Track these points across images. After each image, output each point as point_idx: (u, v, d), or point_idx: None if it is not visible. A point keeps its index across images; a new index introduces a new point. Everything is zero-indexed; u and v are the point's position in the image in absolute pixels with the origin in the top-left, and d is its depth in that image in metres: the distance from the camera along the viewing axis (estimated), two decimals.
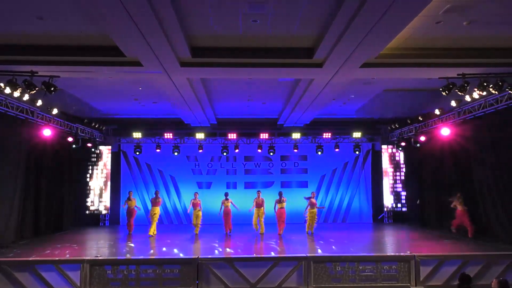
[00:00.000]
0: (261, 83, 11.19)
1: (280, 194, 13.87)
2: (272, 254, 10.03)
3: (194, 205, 13.73)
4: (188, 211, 14.32)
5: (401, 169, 17.16)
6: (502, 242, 10.84)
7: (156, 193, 14.10)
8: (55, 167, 14.10)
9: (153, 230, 13.37)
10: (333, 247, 11.10)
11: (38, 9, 6.89)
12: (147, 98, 12.97)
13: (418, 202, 15.85)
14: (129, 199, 13.96)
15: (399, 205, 17.04)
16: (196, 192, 14.25)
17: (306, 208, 13.69)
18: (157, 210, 13.75)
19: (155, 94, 12.33)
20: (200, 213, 13.73)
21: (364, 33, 7.18)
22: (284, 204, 13.61)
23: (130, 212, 13.85)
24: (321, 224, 13.31)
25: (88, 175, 16.51)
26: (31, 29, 7.69)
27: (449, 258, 9.36)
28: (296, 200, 15.30)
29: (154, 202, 13.86)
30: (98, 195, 16.52)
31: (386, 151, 17.30)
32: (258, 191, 14.25)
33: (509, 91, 9.14)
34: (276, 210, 13.64)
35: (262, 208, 13.65)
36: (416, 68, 9.10)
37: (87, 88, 11.53)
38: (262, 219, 13.65)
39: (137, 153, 16.41)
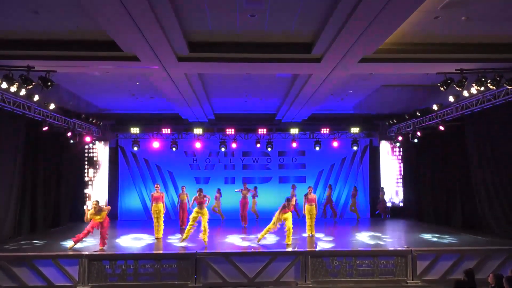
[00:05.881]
0: (259, 78, 11.16)
1: (310, 189, 12.26)
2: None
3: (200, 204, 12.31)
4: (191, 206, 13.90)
5: (399, 165, 17.22)
6: (498, 237, 10.91)
7: (200, 190, 11.04)
8: (52, 163, 14.06)
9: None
10: (331, 242, 11.15)
11: (33, 3, 6.84)
12: (144, 93, 12.93)
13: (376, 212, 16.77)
14: (95, 206, 9.91)
15: (396, 200, 17.13)
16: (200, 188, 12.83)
17: (304, 205, 12.02)
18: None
19: (153, 90, 12.30)
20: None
21: (363, 28, 7.16)
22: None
23: (99, 221, 9.96)
24: (319, 219, 13.26)
25: (85, 171, 16.48)
26: (27, 23, 7.64)
27: (446, 253, 9.42)
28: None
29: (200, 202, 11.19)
30: (96, 191, 16.51)
31: (384, 146, 17.35)
32: (310, 187, 12.14)
33: (507, 86, 9.16)
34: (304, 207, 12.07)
35: (314, 205, 11.84)
36: (414, 63, 9.10)
37: (84, 83, 11.49)
38: (313, 222, 11.85)
39: (135, 148, 16.38)
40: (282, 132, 16.78)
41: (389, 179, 17.23)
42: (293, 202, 10.41)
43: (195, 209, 10.65)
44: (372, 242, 10.96)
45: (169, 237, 11.87)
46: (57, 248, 10.08)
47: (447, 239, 11.08)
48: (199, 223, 10.62)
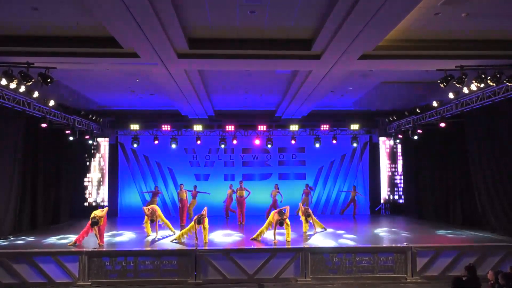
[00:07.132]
0: (259, 75, 11.15)
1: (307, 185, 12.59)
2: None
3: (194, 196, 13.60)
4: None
5: (399, 161, 17.22)
6: (497, 234, 10.93)
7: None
8: (52, 160, 14.06)
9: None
10: (331, 238, 11.17)
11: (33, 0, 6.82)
12: (144, 90, 12.92)
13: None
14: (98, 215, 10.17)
15: (396, 197, 17.15)
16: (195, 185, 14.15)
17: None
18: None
19: (152, 86, 12.28)
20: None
21: (363, 25, 7.14)
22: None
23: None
24: (319, 216, 13.26)
25: (85, 168, 16.49)
26: (26, 20, 7.61)
27: (446, 249, 9.44)
28: (294, 192, 15.42)
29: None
30: (96, 188, 16.53)
31: (383, 143, 17.36)
32: (307, 184, 12.88)
33: (507, 83, 9.15)
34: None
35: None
36: (414, 60, 9.08)
37: (83, 80, 11.47)
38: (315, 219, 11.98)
39: (135, 145, 16.40)
40: (282, 128, 16.79)
41: (388, 175, 17.24)
42: (287, 214, 10.43)
43: (194, 223, 10.14)
44: (377, 238, 11.02)
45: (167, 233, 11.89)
46: (42, 244, 10.06)
47: (453, 235, 11.11)
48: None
